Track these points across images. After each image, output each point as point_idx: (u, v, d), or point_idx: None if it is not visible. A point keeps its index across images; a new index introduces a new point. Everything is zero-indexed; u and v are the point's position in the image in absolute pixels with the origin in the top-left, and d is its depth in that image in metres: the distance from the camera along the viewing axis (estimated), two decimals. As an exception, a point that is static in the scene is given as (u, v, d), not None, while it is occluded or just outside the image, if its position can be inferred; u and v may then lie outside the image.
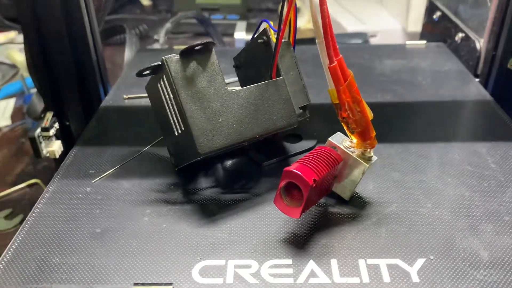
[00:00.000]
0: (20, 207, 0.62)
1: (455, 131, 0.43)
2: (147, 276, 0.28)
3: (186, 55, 0.32)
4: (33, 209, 0.34)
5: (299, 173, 0.28)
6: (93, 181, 0.37)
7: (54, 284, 0.28)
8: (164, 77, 0.32)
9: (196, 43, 0.31)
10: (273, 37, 0.34)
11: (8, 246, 0.31)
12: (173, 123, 0.34)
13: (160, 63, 0.32)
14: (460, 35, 0.55)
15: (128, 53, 0.64)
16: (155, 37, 0.74)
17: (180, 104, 0.31)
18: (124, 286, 0.27)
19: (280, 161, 0.39)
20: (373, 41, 0.90)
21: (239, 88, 0.33)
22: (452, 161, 0.38)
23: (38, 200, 0.35)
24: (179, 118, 0.32)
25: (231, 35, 0.86)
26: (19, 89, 0.91)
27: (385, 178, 0.36)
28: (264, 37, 0.35)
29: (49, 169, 0.70)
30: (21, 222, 0.59)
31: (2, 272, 0.29)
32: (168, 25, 0.73)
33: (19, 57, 0.98)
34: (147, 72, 0.33)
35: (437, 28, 0.64)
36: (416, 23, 0.93)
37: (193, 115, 0.31)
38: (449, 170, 0.37)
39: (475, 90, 0.49)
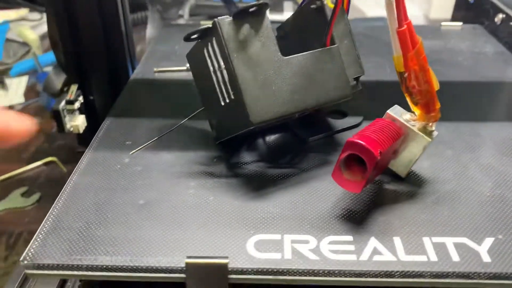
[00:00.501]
0: (37, 185, 0.60)
1: (503, 111, 0.41)
2: (199, 249, 0.26)
3: (239, 17, 0.30)
4: (68, 180, 0.33)
5: (364, 144, 0.27)
6: (131, 153, 0.35)
7: (99, 255, 0.26)
8: (214, 41, 0.30)
9: (250, 4, 0.29)
10: (328, 1, 0.32)
11: (47, 215, 0.29)
12: (219, 92, 0.32)
13: (211, 25, 0.30)
14: (501, 16, 0.53)
15: (150, 30, 0.62)
16: (180, 12, 0.71)
17: (232, 70, 0.29)
18: (176, 259, 0.26)
19: (326, 137, 0.37)
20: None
21: (293, 55, 0.31)
22: (506, 141, 0.36)
23: (73, 172, 0.33)
24: (229, 86, 0.30)
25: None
26: (31, 67, 0.89)
27: (439, 156, 0.34)
28: (318, 2, 0.33)
29: (65, 147, 0.68)
30: (38, 200, 0.57)
31: (42, 242, 0.27)
32: (192, 1, 0.70)
33: (31, 35, 0.95)
34: (195, 35, 0.31)
35: (471, 11, 0.61)
36: (439, 10, 0.91)
37: (245, 82, 0.29)
38: (504, 150, 0.35)
39: (519, 71, 0.47)
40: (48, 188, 0.60)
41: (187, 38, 0.31)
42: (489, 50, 0.52)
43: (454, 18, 0.67)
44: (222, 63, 0.30)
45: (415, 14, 0.97)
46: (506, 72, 0.47)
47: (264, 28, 0.30)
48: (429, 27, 0.59)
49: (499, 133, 0.37)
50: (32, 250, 0.26)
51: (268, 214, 0.29)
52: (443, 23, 0.59)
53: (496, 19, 0.54)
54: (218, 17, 0.30)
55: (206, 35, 0.31)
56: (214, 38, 0.30)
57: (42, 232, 0.28)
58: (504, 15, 0.53)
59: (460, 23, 0.58)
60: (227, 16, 0.30)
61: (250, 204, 0.30)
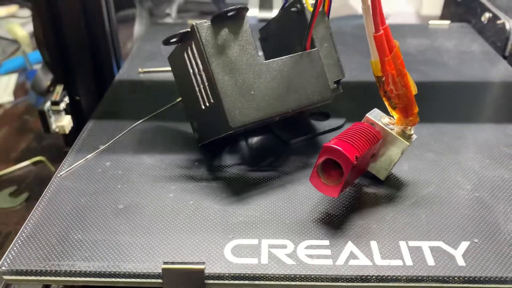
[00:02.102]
0: (25, 184, 0.60)
1: (486, 112, 0.41)
2: (177, 254, 0.26)
3: (218, 21, 0.30)
4: (49, 183, 0.32)
5: (340, 149, 0.27)
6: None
7: (77, 261, 0.26)
8: (193, 45, 0.30)
9: (229, 8, 0.29)
10: (308, 5, 0.32)
11: (26, 221, 0.29)
12: (200, 96, 0.32)
13: (189, 29, 0.30)
14: (487, 15, 0.53)
15: (138, 28, 0.61)
16: (167, 11, 0.71)
17: (211, 74, 0.29)
18: (153, 265, 0.26)
19: (308, 139, 0.37)
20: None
21: (272, 59, 0.31)
22: (488, 143, 0.36)
23: (54, 174, 0.33)
24: (208, 90, 0.30)
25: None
26: (20, 65, 0.89)
27: (420, 159, 0.34)
28: (298, 5, 0.33)
29: (53, 146, 0.68)
30: (27, 200, 0.57)
31: (21, 247, 0.27)
32: (179, -1, 0.70)
33: (20, 32, 0.95)
34: (174, 39, 0.31)
35: (459, 9, 0.61)
36: (430, 7, 0.91)
37: (224, 86, 0.29)
38: (485, 152, 0.35)
39: (504, 71, 0.47)
40: (37, 187, 0.60)
41: (167, 42, 0.31)
42: (475, 50, 0.52)
43: (443, 16, 0.67)
44: (201, 67, 0.30)
45: (406, 10, 0.97)
46: (490, 72, 0.47)
47: (243, 32, 0.30)
48: (416, 26, 0.59)
49: (481, 135, 0.37)
50: (10, 256, 0.27)
51: (247, 218, 0.29)
52: (430, 22, 0.59)
53: (483, 18, 0.54)
54: (197, 22, 0.29)
55: (185, 39, 0.31)
56: (193, 42, 0.30)
57: (21, 238, 0.28)
58: (490, 14, 0.53)
59: (448, 22, 0.58)
60: (206, 20, 0.30)
61: (229, 208, 0.30)
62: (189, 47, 0.31)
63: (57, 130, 0.50)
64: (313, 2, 0.31)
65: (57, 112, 0.49)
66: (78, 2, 0.46)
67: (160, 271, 0.25)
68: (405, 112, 0.29)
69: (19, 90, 0.83)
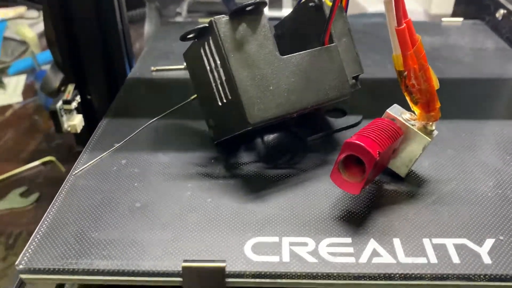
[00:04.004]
0: (36, 184, 0.60)
1: (504, 109, 0.40)
2: (196, 252, 0.26)
3: (236, 16, 0.29)
4: (64, 182, 0.32)
5: (363, 144, 0.26)
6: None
7: (95, 259, 0.26)
8: (211, 40, 0.30)
9: (247, 2, 0.29)
10: (326, 0, 0.32)
11: (42, 219, 0.29)
12: (216, 92, 0.31)
13: (207, 25, 0.29)
14: (502, 11, 0.53)
15: (148, 27, 0.61)
16: (177, 10, 0.71)
17: (229, 70, 0.29)
18: (173, 263, 0.25)
19: (325, 136, 0.36)
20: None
21: (291, 54, 0.30)
22: (508, 139, 0.36)
23: (69, 173, 0.33)
24: (226, 86, 0.30)
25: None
26: (29, 66, 0.89)
27: (440, 155, 0.34)
28: (316, 0, 0.32)
29: (63, 146, 0.68)
30: (37, 200, 0.57)
31: (38, 246, 0.27)
32: (190, -3, 0.70)
33: (29, 33, 0.95)
34: (191, 35, 0.30)
35: (471, 6, 0.61)
36: (439, 5, 0.90)
37: (243, 82, 0.29)
38: (506, 148, 0.34)
39: (521, 68, 0.47)
40: (47, 188, 0.60)
41: (184, 38, 0.31)
42: (490, 46, 0.51)
43: (455, 14, 0.66)
44: (219, 63, 0.30)
45: (416, 9, 0.96)
46: (507, 69, 0.46)
47: (261, 27, 0.30)
48: (429, 23, 0.59)
49: (501, 131, 0.37)
50: (27, 254, 0.26)
51: (266, 216, 0.29)
52: (443, 19, 0.58)
53: (497, 15, 0.54)
54: (215, 16, 0.29)
55: (202, 34, 0.30)
56: (210, 37, 0.30)
57: (38, 236, 0.27)
58: (505, 11, 0.52)
59: (461, 19, 0.58)
60: (224, 15, 0.29)
61: (248, 206, 0.29)
62: (206, 43, 0.30)
63: (68, 129, 0.50)
64: (331, -4, 0.31)
65: (69, 111, 0.49)
66: (91, 2, 0.46)
67: (180, 269, 0.25)
68: (427, 107, 0.28)
69: (28, 90, 0.83)
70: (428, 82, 0.28)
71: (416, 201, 0.30)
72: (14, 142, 0.69)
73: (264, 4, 0.30)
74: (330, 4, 0.31)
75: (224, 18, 0.29)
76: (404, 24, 0.26)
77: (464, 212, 0.29)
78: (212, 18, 0.29)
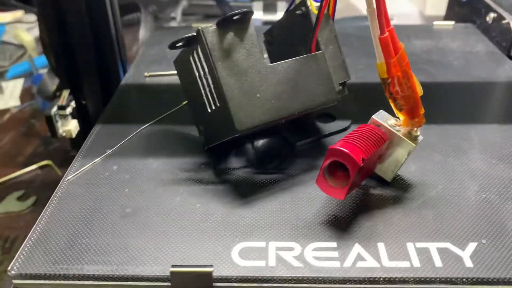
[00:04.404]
0: (32, 188, 0.61)
1: (493, 113, 0.41)
2: (184, 257, 0.27)
3: (224, 25, 0.30)
4: (57, 188, 0.33)
5: (347, 151, 0.27)
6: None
7: (86, 265, 0.26)
8: (199, 49, 0.30)
9: (234, 12, 0.29)
10: (312, 7, 0.32)
11: (34, 225, 0.29)
12: (206, 99, 0.32)
13: (195, 34, 0.30)
14: (492, 15, 0.53)
15: (143, 32, 0.62)
16: (172, 15, 0.71)
17: (217, 78, 0.29)
18: (161, 268, 0.26)
19: (314, 141, 0.37)
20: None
21: (278, 62, 0.31)
22: (494, 143, 0.36)
23: (62, 179, 0.34)
24: (214, 93, 0.30)
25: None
26: (27, 70, 0.89)
27: (426, 160, 0.34)
28: (303, 8, 0.33)
29: (60, 150, 0.68)
30: (34, 204, 0.58)
31: (30, 251, 0.27)
32: (184, 2, 0.70)
33: (26, 37, 0.96)
34: (180, 43, 0.31)
35: (464, 9, 0.61)
36: (434, 7, 0.91)
37: (230, 89, 0.29)
38: (492, 152, 0.35)
39: (510, 71, 0.47)
40: (44, 191, 0.61)
41: (172, 46, 0.31)
42: (480, 50, 0.52)
43: (447, 16, 0.67)
44: (207, 71, 0.30)
45: (411, 10, 0.97)
46: (496, 72, 0.47)
47: (248, 35, 0.30)
48: (421, 26, 0.59)
49: (487, 135, 0.37)
50: (19, 260, 0.27)
51: (254, 221, 0.29)
52: (435, 23, 0.59)
53: (487, 18, 0.54)
54: (202, 26, 0.30)
55: (191, 43, 0.31)
56: (198, 46, 0.30)
57: (30, 242, 0.28)
58: (495, 14, 0.53)
59: (452, 22, 0.58)
60: (211, 24, 0.30)
61: (236, 211, 0.30)
62: (195, 51, 0.31)
63: (64, 134, 0.50)
64: (318, 4, 0.32)
65: (64, 116, 0.50)
66: (83, 7, 0.46)
67: (169, 274, 0.26)
68: (411, 113, 0.29)
69: (25, 94, 0.83)
70: (411, 89, 0.28)
71: (402, 206, 0.30)
72: (11, 146, 0.70)
73: (251, 13, 0.30)
74: (316, 12, 0.32)
75: (211, 27, 0.30)
76: (387, 33, 0.27)
77: (448, 216, 0.29)
78: (200, 27, 0.29)
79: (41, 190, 0.60)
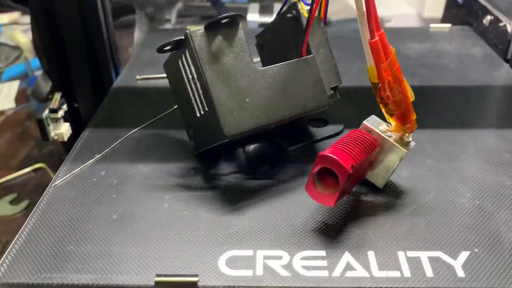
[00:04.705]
0: (26, 192, 0.60)
1: (487, 117, 0.40)
2: (169, 266, 0.26)
3: (212, 29, 0.29)
4: (44, 193, 0.32)
5: (336, 157, 0.26)
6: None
7: (69, 273, 0.26)
8: (187, 53, 0.30)
9: (223, 15, 0.29)
10: (303, 10, 0.32)
11: (19, 232, 0.29)
12: (195, 104, 0.31)
13: (183, 37, 0.30)
14: (489, 18, 0.53)
15: (138, 34, 0.61)
16: (167, 17, 0.71)
17: (205, 82, 0.29)
18: (146, 277, 0.25)
19: (306, 146, 0.36)
20: (387, 26, 0.88)
21: (267, 66, 0.30)
22: (489, 148, 0.35)
23: (49, 184, 0.33)
24: (203, 98, 0.30)
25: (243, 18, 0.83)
26: (22, 71, 0.89)
27: (419, 166, 0.34)
28: (294, 11, 0.32)
29: (54, 153, 0.68)
30: (27, 207, 0.57)
31: (13, 259, 0.27)
32: (179, 4, 0.70)
33: (22, 38, 0.95)
34: (168, 47, 0.31)
35: (461, 11, 0.61)
36: (432, 9, 0.90)
37: (218, 94, 0.29)
38: (486, 158, 0.34)
39: (506, 74, 0.46)
40: (37, 195, 0.60)
41: (160, 50, 0.31)
42: (476, 53, 0.51)
43: (444, 18, 0.66)
44: (195, 75, 0.30)
45: (409, 12, 0.96)
46: (492, 76, 0.46)
47: (237, 39, 0.30)
48: (417, 29, 0.59)
49: (481, 140, 0.36)
50: (2, 269, 0.26)
51: (242, 228, 0.29)
52: (432, 25, 0.58)
53: (484, 21, 0.54)
54: (190, 29, 0.29)
55: (179, 46, 0.31)
56: (186, 50, 0.30)
57: (14, 250, 0.28)
58: (492, 17, 0.52)
59: (449, 25, 0.58)
60: (199, 27, 0.29)
61: (224, 218, 0.29)
62: (183, 55, 0.30)
63: (55, 137, 0.50)
64: (309, 8, 0.31)
65: (55, 119, 0.49)
66: (75, 10, 0.46)
67: (153, 283, 0.25)
68: (402, 119, 0.28)
69: (20, 96, 0.83)
70: (403, 94, 0.28)
71: (393, 213, 0.30)
72: (5, 148, 0.69)
73: (240, 17, 0.30)
74: (307, 15, 0.31)
75: (199, 31, 0.29)
76: (377, 37, 0.26)
77: (440, 224, 0.29)
78: (188, 31, 0.29)
79: (34, 194, 0.60)
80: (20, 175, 0.63)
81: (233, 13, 0.29)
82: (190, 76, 0.30)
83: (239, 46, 0.30)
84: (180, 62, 0.31)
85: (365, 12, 0.26)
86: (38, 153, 0.68)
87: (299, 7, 0.32)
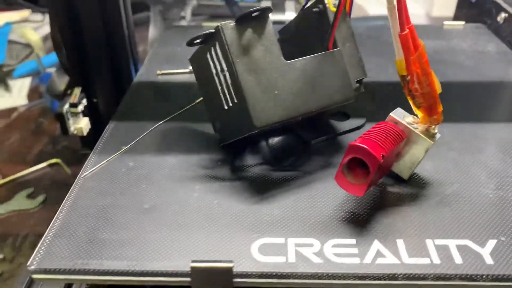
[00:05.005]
0: (41, 187, 0.61)
1: (506, 112, 0.41)
2: (204, 253, 0.27)
3: (242, 22, 0.30)
4: (73, 184, 0.33)
5: (367, 147, 0.27)
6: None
7: (105, 260, 0.26)
8: (217, 46, 0.30)
9: (253, 9, 0.29)
10: (330, 5, 0.32)
11: (53, 220, 0.29)
12: (223, 96, 0.32)
13: (214, 30, 0.30)
14: (503, 15, 0.53)
15: (152, 31, 0.62)
16: (182, 14, 0.71)
17: (235, 75, 0.29)
18: (181, 263, 0.26)
19: (329, 139, 0.37)
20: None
21: (296, 59, 0.31)
22: (509, 141, 0.36)
23: (78, 176, 0.34)
24: (232, 90, 0.30)
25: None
26: (34, 69, 0.90)
27: (442, 158, 0.34)
28: (320, 6, 0.33)
29: (69, 149, 0.68)
30: (43, 202, 0.58)
31: (49, 246, 0.27)
32: (194, 2, 0.70)
33: (33, 36, 0.96)
34: (198, 40, 0.31)
35: (473, 10, 0.61)
36: (441, 8, 0.91)
37: (249, 86, 0.29)
38: (508, 150, 0.35)
39: (522, 71, 0.47)
40: (53, 189, 0.61)
41: (190, 43, 0.31)
42: (491, 50, 0.52)
43: (456, 17, 0.67)
44: (225, 68, 0.30)
45: (417, 12, 0.97)
46: (508, 72, 0.47)
47: (267, 32, 0.30)
48: (431, 26, 0.59)
49: (502, 134, 0.37)
50: (39, 255, 0.27)
51: (272, 217, 0.29)
52: (445, 23, 0.59)
53: (498, 18, 0.54)
54: (221, 22, 0.30)
55: (208, 39, 0.31)
56: (217, 43, 0.30)
57: (49, 237, 0.28)
58: (506, 14, 0.53)
59: (463, 22, 0.58)
60: (230, 21, 0.30)
61: (254, 207, 0.30)
62: (212, 48, 0.31)
63: (75, 132, 0.50)
64: (335, 2, 0.32)
65: (75, 114, 0.50)
66: (96, 5, 0.46)
67: (189, 269, 0.26)
68: (429, 110, 0.29)
69: (33, 93, 0.83)
70: (430, 86, 0.28)
71: (419, 203, 0.30)
72: (19, 144, 0.70)
73: (270, 10, 0.30)
74: (334, 9, 0.32)
75: (230, 24, 0.30)
76: (407, 30, 0.27)
77: (466, 213, 0.29)
78: (219, 24, 0.30)
79: (50, 188, 0.60)
80: (36, 170, 0.63)
81: (263, 6, 0.30)
82: (220, 69, 0.31)
83: (269, 39, 0.30)
84: (209, 55, 0.32)
85: (396, 5, 0.27)
86: (52, 149, 0.68)
87: (326, 1, 0.33)
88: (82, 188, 0.32)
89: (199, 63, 0.34)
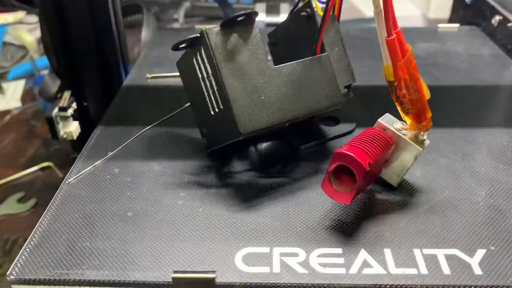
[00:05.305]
0: (33, 190, 0.60)
1: (499, 116, 0.40)
2: (187, 263, 0.26)
3: (227, 26, 0.29)
4: (57, 191, 0.32)
5: (353, 155, 0.26)
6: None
7: (86, 270, 0.26)
8: (203, 50, 0.30)
9: (238, 13, 0.29)
10: (318, 9, 0.32)
11: (34, 228, 0.29)
12: (209, 101, 0.31)
13: (199, 35, 0.30)
14: (497, 18, 0.53)
15: (145, 33, 0.61)
16: (175, 16, 0.71)
17: (220, 80, 0.29)
18: (163, 274, 0.25)
19: (318, 145, 0.36)
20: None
21: (282, 64, 0.31)
22: (501, 148, 0.36)
23: (63, 182, 0.33)
24: (218, 96, 0.30)
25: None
26: (28, 71, 0.89)
27: (432, 164, 0.34)
28: (308, 10, 0.32)
29: (61, 152, 0.68)
30: (34, 206, 0.57)
31: (29, 255, 0.27)
32: (187, 4, 0.70)
33: (28, 38, 0.95)
34: (183, 45, 0.31)
35: (468, 12, 0.61)
36: (438, 10, 0.91)
37: (234, 92, 0.29)
38: (499, 157, 0.34)
39: (516, 74, 0.47)
40: (44, 193, 0.60)
41: (176, 48, 0.31)
42: (485, 53, 0.51)
43: (451, 19, 0.66)
44: (210, 73, 0.30)
45: (414, 13, 0.96)
46: (502, 75, 0.46)
47: (252, 37, 0.30)
48: (426, 29, 0.59)
49: (494, 139, 0.36)
50: (18, 265, 0.26)
51: (258, 225, 0.29)
52: (440, 25, 0.58)
53: (493, 21, 0.54)
54: (206, 26, 0.29)
55: (194, 44, 0.31)
56: (202, 47, 0.30)
57: (29, 246, 0.28)
58: (501, 17, 0.52)
59: (457, 25, 0.58)
60: (215, 25, 0.29)
61: (240, 215, 0.29)
62: (198, 53, 0.30)
63: (65, 136, 0.50)
64: (323, 6, 0.31)
65: (65, 118, 0.49)
66: (85, 8, 0.46)
67: (170, 280, 0.25)
68: (418, 117, 0.28)
69: (26, 96, 0.83)
70: (419, 92, 0.28)
71: (408, 211, 0.30)
72: (12, 147, 0.70)
73: (255, 14, 0.30)
74: (322, 13, 0.31)
75: (215, 29, 0.29)
76: (394, 35, 0.26)
77: (456, 222, 0.29)
78: (203, 28, 0.29)
79: (41, 192, 0.60)
80: (27, 174, 0.63)
81: (248, 10, 0.29)
82: (205, 74, 0.30)
83: (254, 43, 0.30)
84: (194, 60, 0.31)
85: (383, 10, 0.26)
86: (44, 152, 0.68)
87: (314, 5, 0.32)
88: (66, 195, 0.32)
89: (185, 68, 0.33)
